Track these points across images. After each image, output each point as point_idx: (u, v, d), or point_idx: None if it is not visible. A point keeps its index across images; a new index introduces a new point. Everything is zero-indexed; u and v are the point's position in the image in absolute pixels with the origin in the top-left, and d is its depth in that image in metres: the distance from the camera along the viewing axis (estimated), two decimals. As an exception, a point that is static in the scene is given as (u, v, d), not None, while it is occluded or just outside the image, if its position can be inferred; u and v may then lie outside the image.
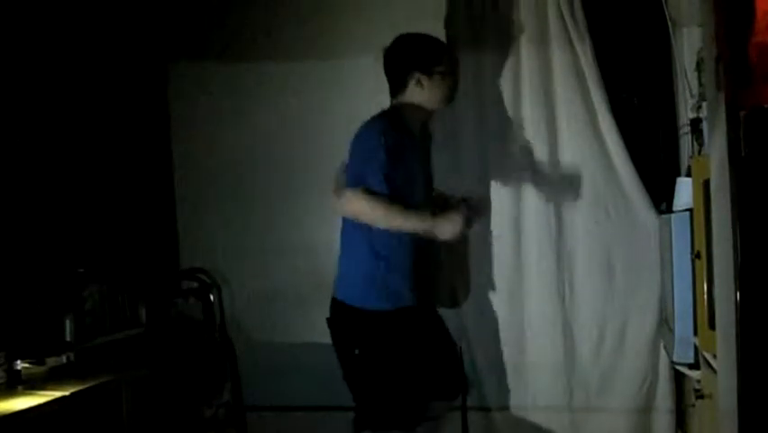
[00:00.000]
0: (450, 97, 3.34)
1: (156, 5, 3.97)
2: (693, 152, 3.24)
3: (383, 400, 3.12)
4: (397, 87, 3.29)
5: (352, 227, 3.14)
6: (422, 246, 3.24)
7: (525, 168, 3.73)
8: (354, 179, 3.07)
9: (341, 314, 3.19)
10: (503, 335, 3.74)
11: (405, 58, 3.28)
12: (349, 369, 3.16)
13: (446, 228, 3.06)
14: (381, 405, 3.13)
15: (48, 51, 3.51)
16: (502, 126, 3.75)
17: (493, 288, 3.76)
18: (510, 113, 3.72)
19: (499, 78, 3.73)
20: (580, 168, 3.68)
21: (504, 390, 3.75)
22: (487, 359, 3.75)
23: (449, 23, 3.76)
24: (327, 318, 3.21)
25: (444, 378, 3.23)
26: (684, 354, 2.94)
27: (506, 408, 3.75)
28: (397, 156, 3.08)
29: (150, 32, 4.00)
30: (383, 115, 3.21)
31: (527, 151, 3.72)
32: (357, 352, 3.13)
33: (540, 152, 3.70)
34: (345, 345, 3.18)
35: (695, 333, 2.81)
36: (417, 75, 3.24)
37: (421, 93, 3.25)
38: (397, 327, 3.13)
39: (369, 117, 3.16)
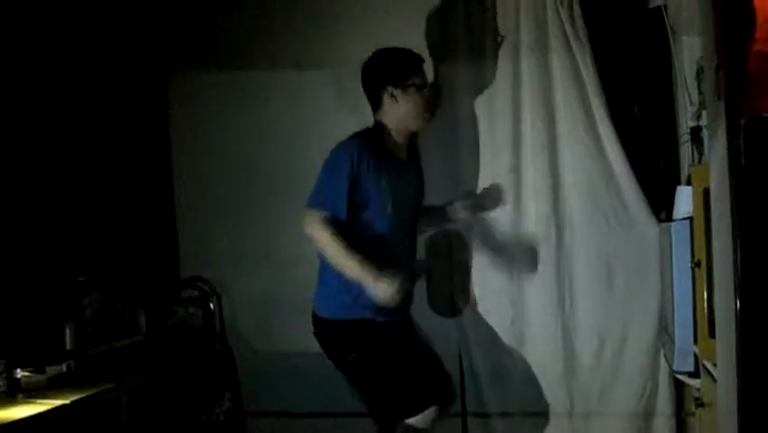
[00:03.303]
0: (430, 112, 3.32)
1: (156, 16, 3.98)
2: (693, 161, 3.25)
3: (381, 397, 3.17)
4: (374, 102, 3.29)
5: None
6: (403, 260, 3.25)
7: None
8: (317, 199, 3.08)
9: (316, 326, 3.24)
10: (503, 343, 3.72)
11: (377, 72, 3.26)
12: (346, 374, 3.22)
13: (378, 291, 3.02)
14: (384, 401, 3.17)
15: (49, 61, 3.52)
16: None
17: (494, 296, 3.75)
18: (510, 122, 3.72)
19: (499, 87, 3.73)
20: (580, 178, 3.67)
21: (504, 397, 3.73)
22: (487, 367, 3.74)
23: (447, 34, 3.76)
24: (313, 332, 3.25)
25: (413, 389, 3.20)
26: (684, 363, 2.94)
27: (506, 414, 3.74)
28: (371, 179, 3.08)
29: (149, 42, 4.00)
30: (360, 135, 3.20)
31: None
32: (349, 358, 3.17)
33: (539, 159, 3.70)
34: (332, 354, 3.23)
35: (695, 341, 2.81)
36: (390, 89, 3.22)
37: (396, 107, 3.23)
38: (366, 339, 3.16)
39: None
